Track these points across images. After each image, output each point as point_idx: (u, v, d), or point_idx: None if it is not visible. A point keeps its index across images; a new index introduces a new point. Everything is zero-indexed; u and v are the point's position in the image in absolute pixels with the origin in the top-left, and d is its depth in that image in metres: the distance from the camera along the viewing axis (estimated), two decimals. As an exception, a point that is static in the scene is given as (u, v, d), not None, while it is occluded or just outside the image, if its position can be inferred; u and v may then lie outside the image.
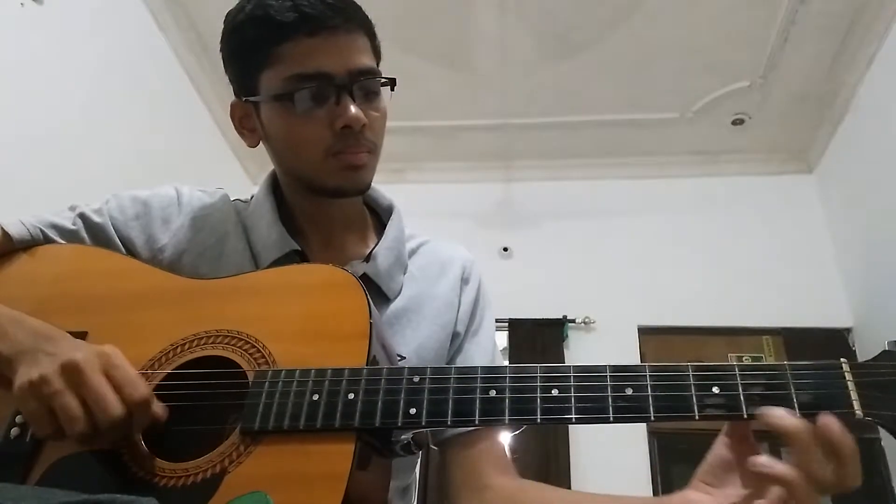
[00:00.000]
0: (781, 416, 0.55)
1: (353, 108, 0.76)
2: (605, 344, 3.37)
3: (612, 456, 3.04)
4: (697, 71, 3.29)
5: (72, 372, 0.61)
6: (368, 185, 0.83)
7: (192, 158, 3.25)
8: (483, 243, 3.63)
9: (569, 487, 2.79)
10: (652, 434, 3.15)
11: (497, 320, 3.35)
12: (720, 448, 0.62)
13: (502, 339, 3.38)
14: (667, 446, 3.15)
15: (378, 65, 0.83)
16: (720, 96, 3.43)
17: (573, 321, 3.43)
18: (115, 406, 0.60)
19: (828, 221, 3.60)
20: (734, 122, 3.61)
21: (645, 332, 3.39)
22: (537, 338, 3.38)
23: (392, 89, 0.81)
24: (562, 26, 3.10)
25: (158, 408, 0.64)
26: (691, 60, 3.23)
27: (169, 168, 2.82)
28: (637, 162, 3.85)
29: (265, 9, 0.75)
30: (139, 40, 2.95)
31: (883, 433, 2.94)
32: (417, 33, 3.13)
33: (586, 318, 3.44)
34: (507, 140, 3.80)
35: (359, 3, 0.80)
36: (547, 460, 3.06)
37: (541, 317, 3.45)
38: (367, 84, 0.79)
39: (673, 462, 3.12)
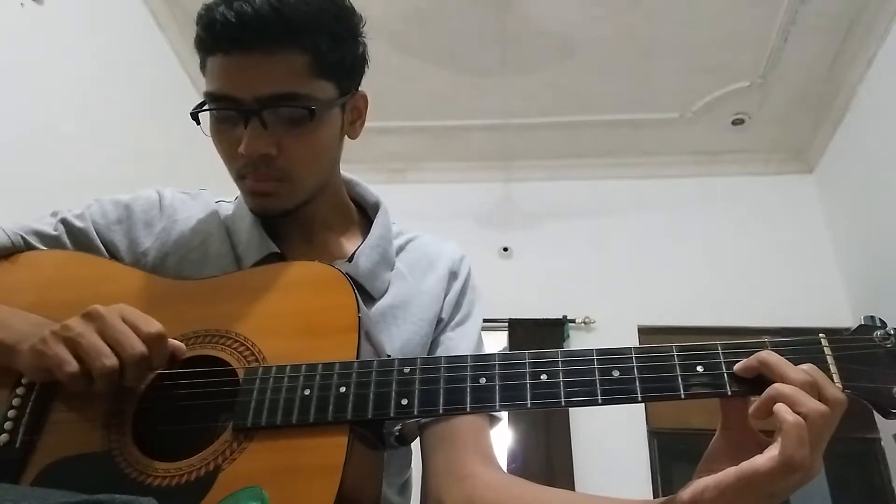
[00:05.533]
0: (778, 357, 0.58)
1: (247, 139, 0.73)
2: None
3: (612, 456, 3.04)
4: (697, 71, 3.28)
5: (93, 318, 0.64)
6: (285, 211, 0.80)
7: (192, 158, 3.24)
8: (483, 243, 3.62)
9: (573, 489, 2.78)
10: (652, 434, 3.14)
11: (497, 320, 3.36)
12: (717, 442, 0.62)
13: (502, 339, 3.37)
14: (667, 446, 3.14)
15: (349, 74, 0.78)
16: (720, 96, 3.42)
17: (573, 321, 3.42)
18: (136, 341, 0.63)
19: (828, 221, 3.59)
20: (734, 122, 3.60)
21: (645, 332, 3.38)
22: (537, 338, 3.37)
23: (311, 119, 0.73)
24: (562, 26, 3.10)
25: (175, 343, 0.67)
26: (691, 60, 3.23)
27: (169, 168, 2.82)
28: (637, 162, 3.84)
29: (209, 13, 0.72)
30: (139, 40, 2.94)
31: (884, 434, 2.94)
32: (417, 33, 3.13)
33: (586, 318, 3.43)
34: (507, 140, 3.79)
35: (327, 9, 0.74)
36: (549, 462, 3.05)
37: (541, 317, 3.43)
38: (284, 111, 0.73)
39: (673, 462, 3.12)
